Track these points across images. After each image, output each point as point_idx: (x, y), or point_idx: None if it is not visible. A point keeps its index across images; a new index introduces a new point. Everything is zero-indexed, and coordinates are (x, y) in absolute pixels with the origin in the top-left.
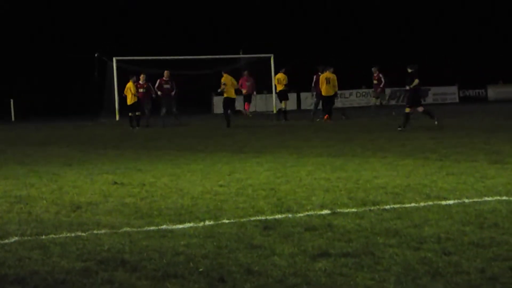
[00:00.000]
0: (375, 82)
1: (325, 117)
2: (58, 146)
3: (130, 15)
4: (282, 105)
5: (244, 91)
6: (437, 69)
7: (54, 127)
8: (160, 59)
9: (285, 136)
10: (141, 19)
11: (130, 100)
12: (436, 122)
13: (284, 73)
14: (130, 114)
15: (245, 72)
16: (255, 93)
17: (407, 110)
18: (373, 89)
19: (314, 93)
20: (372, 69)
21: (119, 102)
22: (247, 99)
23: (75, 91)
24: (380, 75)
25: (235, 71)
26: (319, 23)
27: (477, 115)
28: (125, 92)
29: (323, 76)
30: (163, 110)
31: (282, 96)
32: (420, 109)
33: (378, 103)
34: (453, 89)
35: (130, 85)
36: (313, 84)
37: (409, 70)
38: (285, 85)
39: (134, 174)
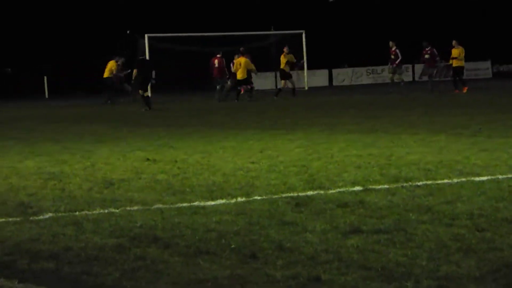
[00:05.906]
0: (392, 57)
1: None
2: (90, 123)
3: None
4: (282, 85)
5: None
6: (470, 44)
7: (86, 104)
8: (191, 36)
9: (316, 113)
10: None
11: None
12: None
13: (288, 53)
14: None
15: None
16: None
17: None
18: (389, 65)
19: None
20: (390, 43)
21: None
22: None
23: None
24: (397, 50)
25: (267, 47)
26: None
27: (510, 90)
28: None
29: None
30: None
31: (284, 75)
32: None
33: (396, 79)
34: (486, 64)
35: None
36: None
37: None
38: (286, 64)
39: (166, 151)
